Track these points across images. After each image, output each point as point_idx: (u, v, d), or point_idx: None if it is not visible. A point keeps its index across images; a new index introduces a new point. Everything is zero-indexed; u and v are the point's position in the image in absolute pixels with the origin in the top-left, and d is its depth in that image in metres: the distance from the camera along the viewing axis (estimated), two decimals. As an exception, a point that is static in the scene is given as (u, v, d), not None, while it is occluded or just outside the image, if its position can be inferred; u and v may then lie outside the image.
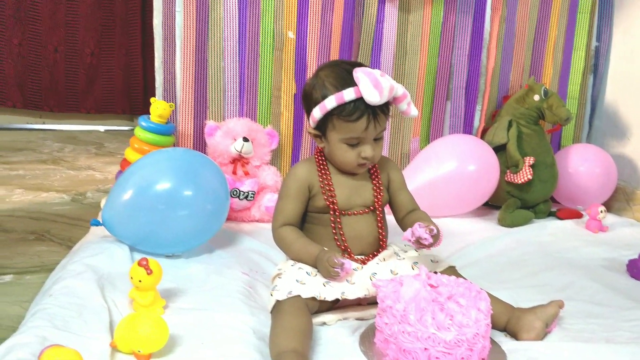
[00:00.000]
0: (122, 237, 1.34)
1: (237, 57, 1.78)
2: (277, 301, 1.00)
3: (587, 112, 2.11)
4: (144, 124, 1.60)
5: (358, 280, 1.08)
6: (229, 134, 1.69)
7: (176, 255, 1.34)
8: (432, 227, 1.03)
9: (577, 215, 1.86)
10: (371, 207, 1.16)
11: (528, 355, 0.95)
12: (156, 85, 1.75)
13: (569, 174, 1.89)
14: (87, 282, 1.10)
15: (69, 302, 1.02)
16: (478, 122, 2.01)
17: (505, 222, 1.76)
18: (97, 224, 1.34)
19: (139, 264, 1.05)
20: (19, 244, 1.55)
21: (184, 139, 1.77)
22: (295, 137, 1.86)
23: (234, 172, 1.69)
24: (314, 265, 1.08)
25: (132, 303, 1.08)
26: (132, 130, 1.63)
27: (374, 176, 1.18)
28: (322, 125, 1.11)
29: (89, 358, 0.85)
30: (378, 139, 1.12)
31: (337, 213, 1.13)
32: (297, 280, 1.04)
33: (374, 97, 1.03)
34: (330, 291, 1.04)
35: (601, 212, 1.72)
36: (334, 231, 1.13)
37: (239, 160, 1.70)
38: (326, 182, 1.14)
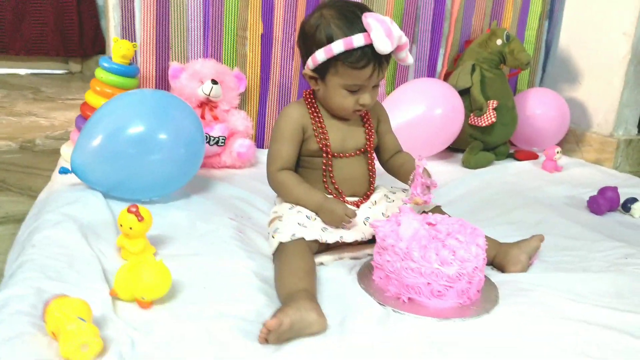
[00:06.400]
0: (94, 184, 1.28)
1: (200, -7, 1.68)
2: (281, 243, 0.99)
3: (542, 57, 2.18)
4: (106, 64, 1.49)
5: (354, 225, 1.09)
6: (196, 76, 1.62)
7: (153, 201, 1.30)
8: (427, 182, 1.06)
9: (533, 156, 1.95)
10: (362, 149, 1.16)
11: (518, 286, 1.00)
12: (113, 24, 1.63)
13: (526, 117, 1.97)
14: (70, 232, 1.05)
15: (56, 252, 0.97)
16: (441, 66, 2.03)
17: (469, 164, 1.82)
18: (67, 171, 1.27)
19: (129, 210, 1.00)
20: (-27, 195, 1.45)
21: (146, 81, 1.68)
22: (263, 80, 1.81)
23: (202, 117, 1.62)
24: (316, 212, 1.08)
25: (120, 251, 1.04)
26: (68, 74, 1.52)
27: (365, 119, 1.17)
28: (322, 69, 1.07)
29: (92, 308, 0.82)
30: (376, 86, 1.10)
31: (329, 156, 1.12)
32: (298, 224, 1.03)
33: (386, 47, 1.00)
34: (330, 235, 1.05)
35: (557, 152, 1.82)
36: (324, 174, 1.13)
37: (206, 104, 1.64)
38: (319, 124, 1.12)
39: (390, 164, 1.23)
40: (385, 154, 1.23)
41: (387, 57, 1.07)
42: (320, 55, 1.05)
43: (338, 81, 1.07)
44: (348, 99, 1.08)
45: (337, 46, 1.02)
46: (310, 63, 1.08)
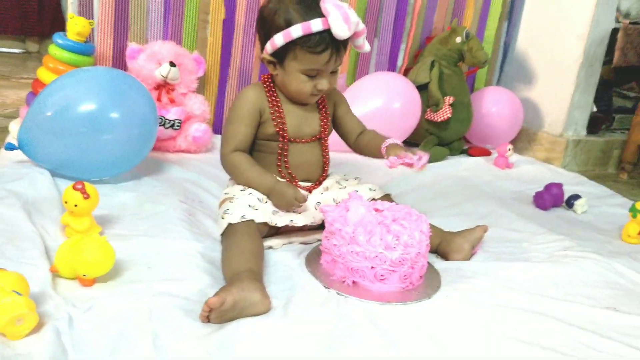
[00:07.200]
0: (42, 162, 1.25)
1: (161, -26, 1.66)
2: (230, 224, 0.99)
3: (500, 57, 2.23)
4: (60, 41, 1.46)
5: (304, 209, 1.10)
6: (154, 57, 1.60)
7: (102, 181, 1.28)
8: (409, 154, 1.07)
9: (486, 152, 2.00)
10: (317, 136, 1.17)
11: (459, 273, 1.03)
12: (70, 1, 1.59)
13: (482, 115, 2.02)
14: (12, 208, 1.03)
15: (-4, 227, 0.95)
16: (401, 61, 2.06)
17: (424, 158, 1.85)
18: (13, 147, 1.24)
19: (74, 187, 0.99)
20: None
21: (102, 60, 1.65)
22: (223, 66, 1.80)
23: (159, 99, 1.60)
24: (267, 194, 1.08)
25: (64, 229, 1.02)
26: (25, 53, 1.48)
27: (321, 106, 1.18)
28: (281, 53, 1.07)
29: (30, 284, 0.80)
30: (334, 72, 1.11)
31: (285, 140, 1.12)
32: (249, 205, 1.04)
33: (343, 32, 1.01)
34: (280, 218, 1.06)
35: (509, 150, 1.87)
36: (279, 158, 1.13)
37: (163, 86, 1.62)
38: (276, 108, 1.13)
39: (358, 144, 1.23)
40: (350, 136, 1.24)
41: (345, 43, 1.08)
42: (278, 40, 1.05)
43: (296, 66, 1.07)
44: (306, 84, 1.09)
45: (296, 30, 1.02)
46: (269, 47, 1.08)
